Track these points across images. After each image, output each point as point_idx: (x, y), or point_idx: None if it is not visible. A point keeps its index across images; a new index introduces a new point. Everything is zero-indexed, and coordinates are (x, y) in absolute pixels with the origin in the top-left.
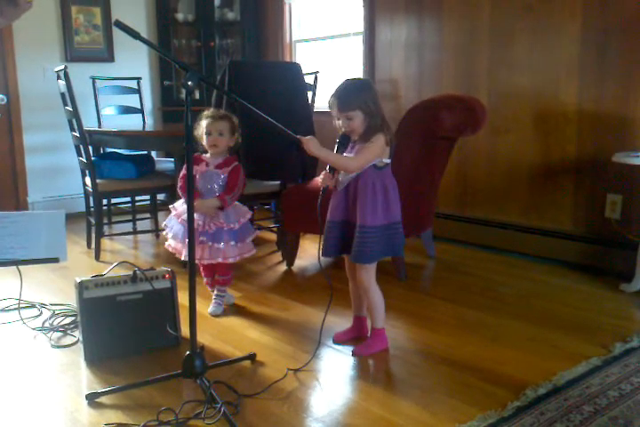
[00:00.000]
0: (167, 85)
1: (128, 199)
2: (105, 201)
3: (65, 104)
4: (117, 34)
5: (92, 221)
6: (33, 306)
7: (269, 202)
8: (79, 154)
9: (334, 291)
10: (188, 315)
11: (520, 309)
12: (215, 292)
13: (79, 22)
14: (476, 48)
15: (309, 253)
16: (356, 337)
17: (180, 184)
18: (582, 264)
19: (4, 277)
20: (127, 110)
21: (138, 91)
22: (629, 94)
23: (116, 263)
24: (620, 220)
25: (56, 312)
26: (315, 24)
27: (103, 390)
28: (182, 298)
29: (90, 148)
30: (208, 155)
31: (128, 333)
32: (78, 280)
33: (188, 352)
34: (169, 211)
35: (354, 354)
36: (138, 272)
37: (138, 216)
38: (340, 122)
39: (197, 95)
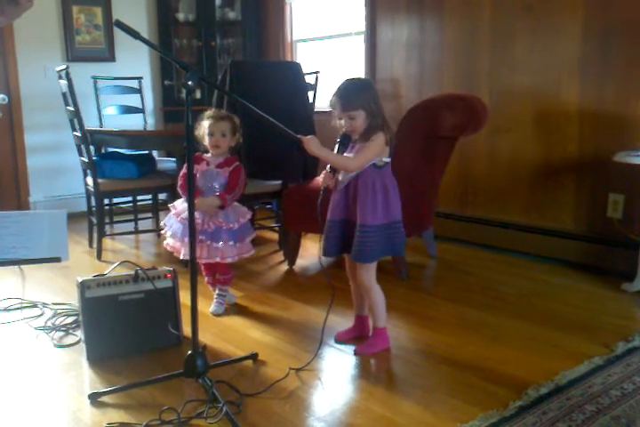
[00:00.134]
0: (168, 85)
1: (129, 199)
2: (106, 201)
3: (66, 104)
4: (118, 34)
5: (94, 220)
6: (35, 306)
7: (271, 202)
8: (81, 154)
9: (336, 290)
10: (190, 314)
11: (521, 308)
12: (217, 291)
13: (80, 22)
14: (477, 48)
15: (311, 252)
16: (357, 337)
17: (180, 183)
18: (584, 264)
19: (6, 277)
20: (128, 110)
21: (139, 90)
22: (630, 94)
23: (117, 263)
24: (621, 219)
25: (58, 312)
26: (316, 24)
27: (105, 389)
28: (184, 297)
29: (91, 147)
30: (209, 154)
31: (130, 332)
32: (80, 280)
33: (189, 352)
34: (169, 210)
35: (356, 353)
36: (140, 272)
37: (139, 216)
38: (342, 121)
39: (198, 95)
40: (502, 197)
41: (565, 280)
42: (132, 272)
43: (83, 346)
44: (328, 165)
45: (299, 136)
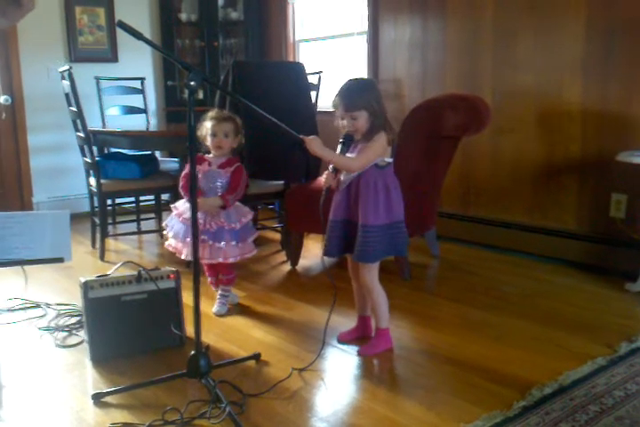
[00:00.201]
0: (171, 86)
1: (132, 199)
2: (109, 201)
3: (69, 104)
4: (121, 34)
5: (97, 221)
6: (38, 306)
7: (273, 202)
8: (83, 154)
9: (338, 290)
10: (193, 315)
11: (524, 308)
12: (219, 292)
13: (83, 23)
14: (480, 48)
15: (313, 252)
16: (360, 337)
17: (181, 183)
18: (587, 264)
19: (9, 278)
20: (131, 110)
21: (142, 91)
22: (633, 94)
23: (120, 263)
24: (624, 219)
25: (61, 312)
26: (318, 24)
27: (109, 389)
28: (187, 298)
29: (94, 148)
30: (211, 155)
31: (133, 332)
32: (83, 280)
33: (192, 352)
34: (172, 211)
35: (358, 354)
36: (142, 272)
37: (142, 216)
38: (344, 122)
39: (201, 95)
40: (505, 197)
41: (568, 280)
42: (135, 273)
43: (86, 346)
44: (330, 166)
45: (301, 136)
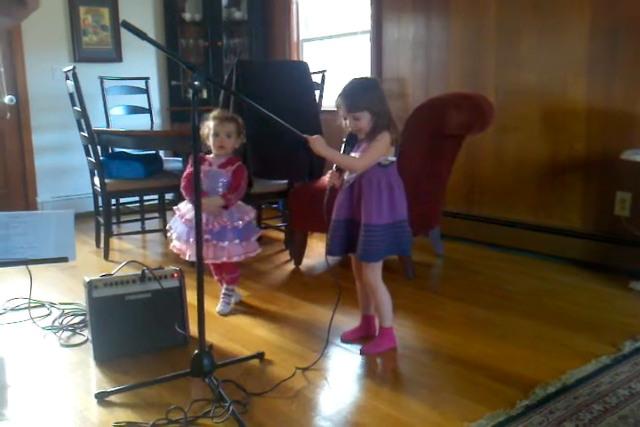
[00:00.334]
0: (175, 85)
1: (136, 199)
2: (113, 201)
3: (73, 104)
4: (125, 34)
5: (101, 220)
6: (42, 305)
7: (277, 201)
8: (88, 154)
9: (342, 290)
10: (197, 314)
11: (529, 307)
12: (223, 291)
13: (87, 23)
14: (484, 46)
15: (317, 251)
16: (363, 336)
17: (183, 184)
18: (591, 262)
19: (13, 277)
20: (135, 110)
21: (146, 91)
22: (638, 92)
23: (124, 263)
24: (629, 217)
25: (65, 311)
26: (322, 23)
27: (112, 389)
28: (191, 297)
29: (98, 148)
30: (212, 155)
31: (137, 332)
32: (87, 280)
33: (196, 351)
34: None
35: (362, 353)
36: (146, 271)
37: (146, 216)
38: (347, 122)
39: (205, 95)
40: (509, 196)
41: (573, 279)
42: (139, 272)
43: (90, 346)
44: (334, 165)
45: (305, 136)
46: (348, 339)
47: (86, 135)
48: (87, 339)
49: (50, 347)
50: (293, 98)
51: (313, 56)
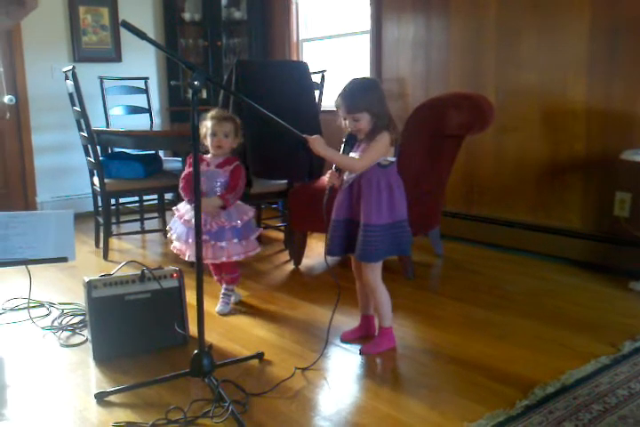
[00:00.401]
0: (174, 85)
1: (136, 199)
2: (113, 201)
3: (73, 104)
4: (125, 34)
5: (101, 220)
6: (42, 305)
7: (276, 201)
8: (87, 154)
9: (342, 290)
10: (196, 314)
11: (528, 307)
12: (222, 291)
13: (87, 23)
14: (484, 46)
15: (317, 251)
16: (363, 336)
17: (181, 185)
18: (591, 262)
19: (13, 277)
20: (135, 110)
21: (145, 91)
22: (638, 92)
23: (124, 263)
24: (628, 218)
25: (65, 311)
26: (321, 23)
27: (112, 389)
28: (190, 297)
29: (98, 148)
30: (209, 155)
31: (136, 332)
32: (87, 280)
33: (196, 351)
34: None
35: (361, 353)
36: (146, 271)
37: (146, 216)
38: (347, 122)
39: (204, 95)
40: (509, 196)
41: (572, 279)
42: (139, 272)
43: (89, 346)
44: (334, 165)
45: (304, 136)
46: (347, 339)
47: (86, 135)
48: (87, 339)
49: (49, 347)
50: (293, 98)
51: (313, 56)
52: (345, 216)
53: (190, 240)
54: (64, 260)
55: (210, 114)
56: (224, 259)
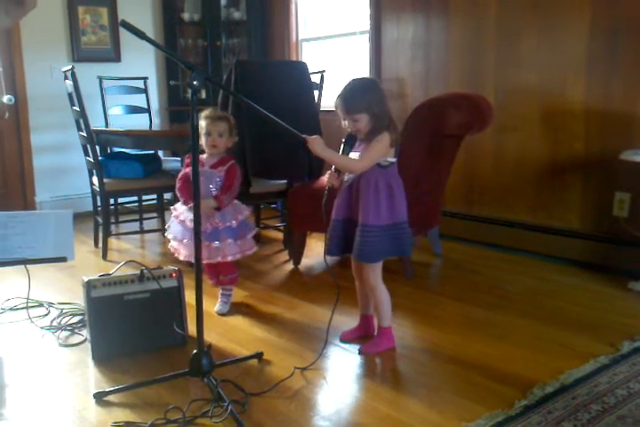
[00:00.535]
0: (173, 85)
1: (135, 199)
2: (112, 200)
3: (72, 104)
4: (124, 34)
5: (100, 220)
6: (41, 305)
7: (276, 201)
8: (86, 154)
9: (341, 289)
10: (195, 314)
11: (527, 307)
12: (221, 291)
13: (86, 23)
14: (483, 46)
15: (316, 251)
16: (362, 336)
17: (178, 185)
18: (590, 262)
19: (12, 277)
20: (134, 110)
21: (144, 90)
22: (638, 92)
23: (123, 262)
24: (627, 218)
25: (64, 311)
26: (321, 23)
27: (111, 388)
28: (189, 297)
29: (97, 147)
30: (204, 155)
31: (135, 332)
32: (86, 279)
33: (195, 351)
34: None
35: (361, 353)
36: (145, 271)
37: (145, 215)
38: (346, 122)
39: (203, 95)
40: (508, 196)
41: (572, 279)
42: (138, 272)
43: (88, 345)
44: (333, 165)
45: (303, 136)
46: (346, 339)
47: (85, 135)
48: (86, 339)
49: (48, 347)
50: (292, 98)
51: (312, 56)
52: (344, 216)
53: (185, 240)
54: (63, 259)
55: (204, 113)
56: (219, 259)
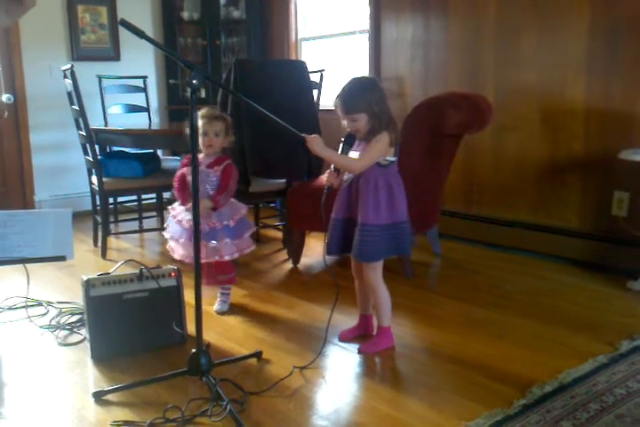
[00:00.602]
0: (173, 84)
1: (134, 198)
2: (111, 199)
3: (71, 103)
4: (123, 33)
5: (99, 219)
6: (40, 304)
7: (275, 200)
8: (86, 153)
9: (340, 289)
10: (194, 313)
11: (527, 306)
12: (220, 290)
13: (85, 21)
14: (482, 46)
15: (315, 251)
16: (361, 335)
17: (175, 186)
18: (589, 262)
19: (11, 276)
20: (133, 109)
21: (144, 89)
22: (637, 91)
23: (122, 262)
24: (626, 217)
25: (63, 310)
26: (320, 22)
27: (110, 387)
28: (188, 296)
29: (96, 146)
30: (201, 155)
31: (134, 331)
32: (85, 278)
33: (193, 350)
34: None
35: (360, 352)
36: (144, 270)
37: (144, 214)
38: (345, 122)
39: (203, 94)
40: (508, 196)
41: (571, 278)
42: (137, 271)
43: (87, 344)
44: (332, 165)
45: (303, 135)
46: (345, 338)
47: (84, 134)
48: (85, 338)
49: (47, 346)
50: (292, 97)
51: (311, 55)
52: (344, 215)
53: (181, 240)
54: (62, 258)
55: (200, 113)
56: (217, 258)
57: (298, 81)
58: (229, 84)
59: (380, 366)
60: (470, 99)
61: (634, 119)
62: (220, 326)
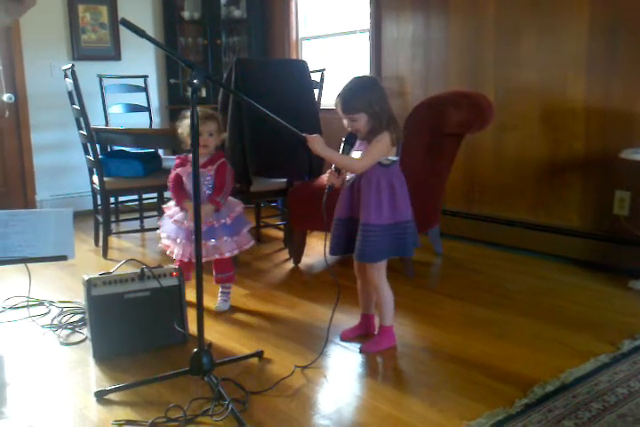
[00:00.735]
0: (174, 83)
1: (135, 197)
2: (112, 199)
3: (72, 102)
4: (124, 32)
5: (100, 218)
6: (41, 304)
7: (276, 199)
8: (86, 152)
9: (341, 288)
10: (196, 312)
11: (528, 306)
12: (220, 289)
13: (86, 21)
14: (483, 45)
15: (316, 250)
16: (363, 334)
17: (170, 186)
18: (591, 261)
19: (12, 275)
20: (134, 108)
21: (144, 89)
22: (637, 91)
23: (123, 261)
24: (628, 216)
25: (64, 310)
26: (321, 21)
27: (112, 387)
28: (189, 295)
29: (97, 146)
30: None
31: (136, 330)
32: (86, 278)
33: (195, 349)
34: None
35: (361, 351)
36: (145, 270)
37: (145, 214)
38: (346, 122)
39: (204, 93)
40: (509, 195)
41: (572, 278)
42: (138, 270)
43: (89, 344)
44: (333, 164)
45: (303, 135)
46: (347, 337)
47: (85, 133)
48: (86, 337)
49: (49, 345)
50: (293, 97)
51: (312, 54)
52: (347, 215)
53: (178, 240)
54: (63, 258)
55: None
56: (217, 256)
57: (299, 80)
58: (230, 84)
59: (381, 366)
60: (471, 98)
61: (634, 119)
62: (222, 326)
